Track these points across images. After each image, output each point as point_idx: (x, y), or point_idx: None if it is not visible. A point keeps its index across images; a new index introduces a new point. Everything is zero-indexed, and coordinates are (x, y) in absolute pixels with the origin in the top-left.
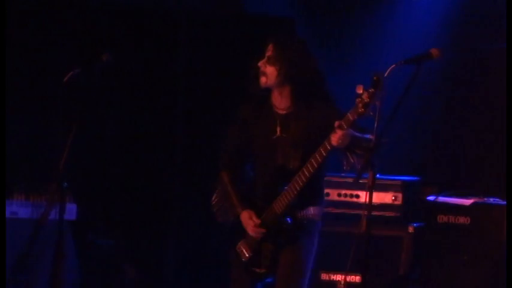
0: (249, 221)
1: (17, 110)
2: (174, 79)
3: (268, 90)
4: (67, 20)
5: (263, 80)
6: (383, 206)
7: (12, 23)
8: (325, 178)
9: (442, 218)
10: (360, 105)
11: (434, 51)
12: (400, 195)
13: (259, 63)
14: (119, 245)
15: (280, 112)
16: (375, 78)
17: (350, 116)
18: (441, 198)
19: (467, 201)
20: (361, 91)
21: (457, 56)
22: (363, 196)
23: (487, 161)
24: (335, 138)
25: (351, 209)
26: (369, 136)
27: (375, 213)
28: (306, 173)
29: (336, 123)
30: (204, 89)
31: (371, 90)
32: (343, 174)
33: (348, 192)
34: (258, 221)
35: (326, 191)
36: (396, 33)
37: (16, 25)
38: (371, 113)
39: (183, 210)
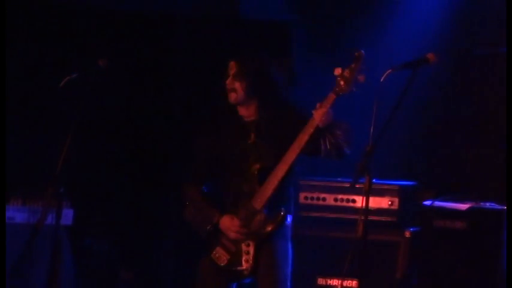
0: (230, 224)
1: (13, 115)
2: (169, 83)
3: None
4: (63, 24)
5: (233, 96)
6: (379, 211)
7: (8, 26)
8: (322, 183)
9: (438, 223)
10: (342, 82)
11: (430, 56)
12: (396, 200)
13: (227, 81)
14: (115, 250)
15: (251, 120)
16: (356, 54)
17: (332, 94)
18: (437, 203)
19: (464, 206)
20: (339, 72)
21: (454, 60)
22: (359, 201)
23: (483, 165)
24: (318, 115)
25: (348, 213)
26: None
27: (371, 218)
28: (288, 160)
29: (318, 104)
30: (200, 94)
31: (352, 65)
32: (339, 179)
33: (345, 197)
34: (239, 222)
35: (323, 195)
36: (393, 38)
37: (12, 29)
38: (354, 89)
39: (180, 215)
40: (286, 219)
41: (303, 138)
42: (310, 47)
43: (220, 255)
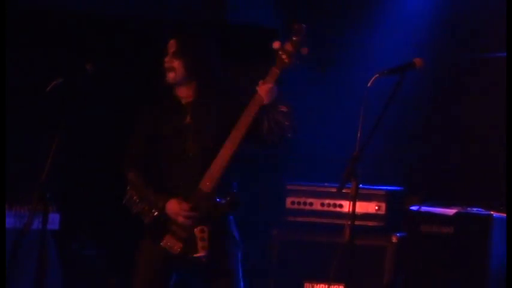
0: (178, 208)
1: None
2: (156, 88)
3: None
4: (50, 29)
5: (171, 75)
6: (366, 216)
7: None
8: (309, 188)
9: (425, 228)
10: (284, 56)
11: (417, 61)
12: (383, 205)
13: (165, 59)
14: (102, 254)
15: (188, 101)
16: (295, 26)
17: (275, 69)
18: (424, 208)
19: (451, 211)
20: (278, 45)
21: (442, 65)
22: (346, 206)
23: (470, 171)
24: (263, 91)
25: (334, 218)
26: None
27: (358, 222)
28: (235, 139)
29: (260, 81)
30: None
31: (294, 38)
32: (326, 184)
33: (331, 201)
34: (188, 205)
35: (310, 200)
36: (381, 44)
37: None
38: (298, 62)
39: None
40: (239, 201)
41: (249, 115)
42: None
43: (172, 244)
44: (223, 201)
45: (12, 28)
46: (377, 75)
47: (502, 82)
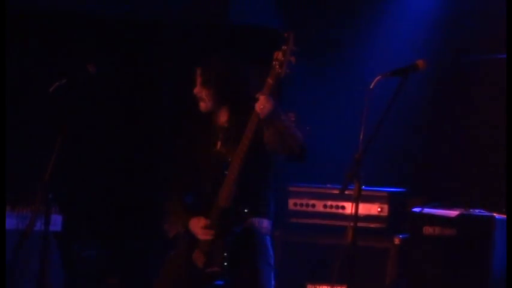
0: (197, 225)
1: (1, 120)
2: (159, 89)
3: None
4: (51, 30)
5: (202, 105)
6: (369, 217)
7: None
8: (311, 190)
9: (427, 230)
10: (277, 66)
11: (420, 63)
12: (386, 207)
13: (195, 91)
14: (104, 256)
15: (223, 126)
16: (285, 35)
17: (269, 80)
18: (427, 210)
19: (453, 213)
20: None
21: (445, 66)
22: (348, 207)
23: (472, 172)
24: (258, 105)
25: (337, 220)
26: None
27: (360, 224)
28: (240, 153)
29: (257, 93)
30: (190, 99)
31: (284, 47)
32: (328, 186)
33: (334, 203)
34: (206, 222)
35: (312, 202)
36: (384, 44)
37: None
38: (288, 71)
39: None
40: (250, 218)
41: (250, 130)
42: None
43: (198, 258)
44: (236, 217)
45: (15, 29)
46: (379, 76)
47: (503, 84)
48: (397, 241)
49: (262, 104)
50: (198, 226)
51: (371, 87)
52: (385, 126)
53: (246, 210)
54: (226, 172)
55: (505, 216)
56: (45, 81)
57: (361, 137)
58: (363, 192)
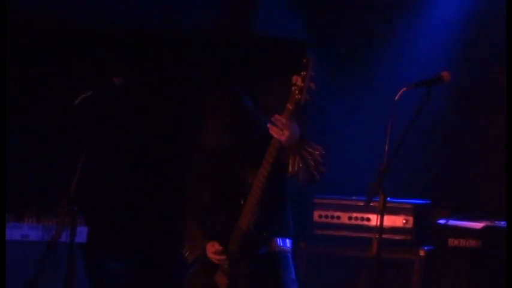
0: (211, 250)
1: (28, 132)
2: (183, 100)
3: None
4: (77, 43)
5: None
6: (394, 229)
7: (24, 44)
8: (336, 201)
9: (453, 242)
10: (296, 92)
11: (445, 75)
12: (411, 219)
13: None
14: (129, 268)
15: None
16: (304, 60)
17: (289, 106)
18: (452, 222)
19: (478, 225)
20: (295, 79)
21: (469, 77)
22: (373, 219)
23: (498, 184)
24: (276, 129)
25: (362, 232)
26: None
27: (385, 236)
28: (261, 178)
29: (274, 117)
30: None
31: (303, 73)
32: (353, 197)
33: (359, 215)
34: (218, 248)
35: (337, 214)
36: (412, 52)
37: (31, 46)
38: (308, 97)
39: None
40: (274, 240)
41: (270, 154)
42: (327, 64)
43: (221, 280)
44: (260, 240)
45: (42, 40)
46: (404, 88)
47: None
48: (422, 253)
49: (282, 130)
50: (211, 251)
51: (396, 98)
52: (410, 138)
53: (269, 233)
54: (243, 195)
55: None
56: (71, 94)
57: (386, 148)
58: (388, 204)
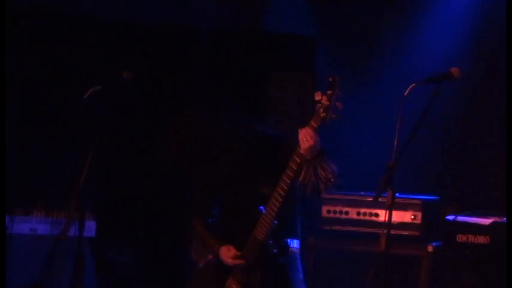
0: (227, 254)
1: (36, 127)
2: (193, 97)
3: None
4: (87, 38)
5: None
6: (402, 225)
7: (33, 40)
8: (345, 197)
9: (461, 238)
10: (321, 110)
11: (454, 71)
12: (419, 214)
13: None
14: (137, 262)
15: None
16: (330, 79)
17: (313, 123)
18: (460, 218)
19: (487, 221)
20: (319, 97)
21: (479, 74)
22: (382, 215)
23: (506, 180)
24: (304, 147)
25: (370, 227)
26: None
27: (394, 232)
28: (281, 191)
29: (301, 131)
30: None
31: (329, 92)
32: (362, 193)
33: (367, 211)
34: (236, 253)
35: (345, 209)
36: (421, 49)
37: (40, 40)
38: (333, 116)
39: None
40: (290, 249)
41: (291, 168)
42: (336, 61)
43: (233, 285)
44: (275, 251)
45: (52, 35)
46: (414, 84)
47: None
48: (430, 249)
49: (307, 138)
50: (227, 256)
51: (405, 94)
52: (419, 134)
53: (285, 242)
54: (257, 205)
55: None
56: (80, 88)
57: (395, 144)
58: (397, 200)
